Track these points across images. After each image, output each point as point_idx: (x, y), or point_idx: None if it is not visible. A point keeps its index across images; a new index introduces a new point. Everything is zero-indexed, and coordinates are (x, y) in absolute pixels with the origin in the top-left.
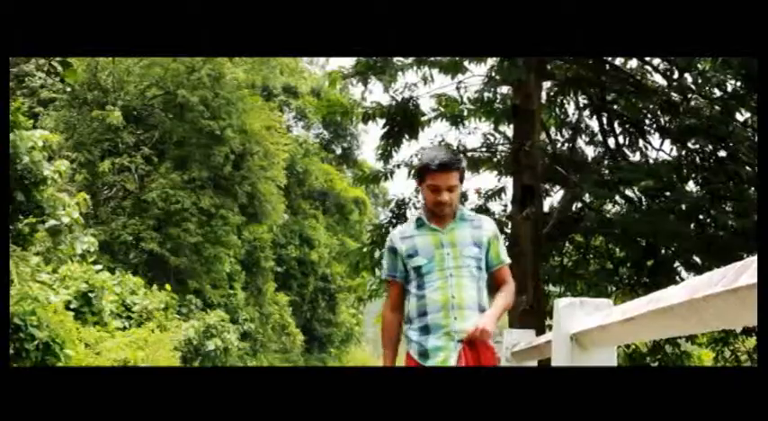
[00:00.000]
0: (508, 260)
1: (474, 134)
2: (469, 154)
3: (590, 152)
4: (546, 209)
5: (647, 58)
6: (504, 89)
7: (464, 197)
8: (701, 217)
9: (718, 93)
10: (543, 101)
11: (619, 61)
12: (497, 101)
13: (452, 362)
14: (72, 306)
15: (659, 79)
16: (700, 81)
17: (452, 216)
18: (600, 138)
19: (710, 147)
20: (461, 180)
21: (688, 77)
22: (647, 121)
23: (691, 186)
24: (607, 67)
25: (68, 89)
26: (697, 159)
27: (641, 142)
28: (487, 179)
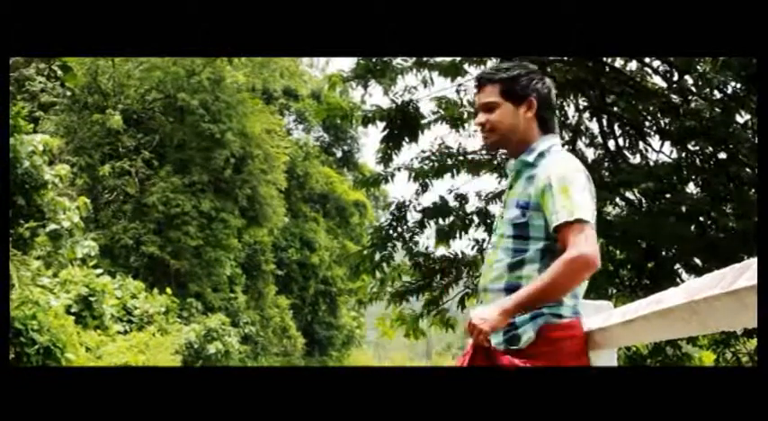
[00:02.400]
0: (567, 216)
1: (474, 137)
2: (469, 157)
3: (590, 154)
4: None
5: (647, 60)
6: None
7: (464, 199)
8: (701, 219)
9: (718, 94)
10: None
11: (618, 63)
12: None
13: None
14: (73, 310)
15: (659, 81)
16: (700, 83)
17: (515, 156)
18: (600, 140)
19: (711, 148)
20: (509, 95)
21: (688, 79)
22: (647, 123)
23: (691, 188)
24: (607, 69)
25: (69, 93)
26: (697, 161)
27: (641, 144)
28: (488, 182)
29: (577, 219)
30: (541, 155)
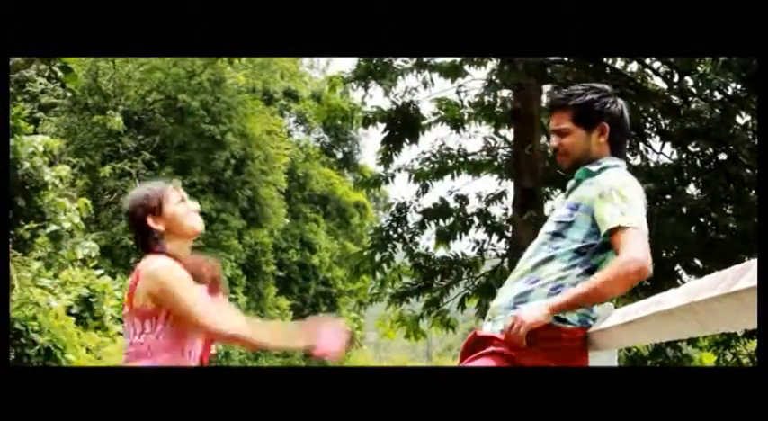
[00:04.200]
0: (618, 222)
1: (474, 138)
2: (470, 158)
3: None
4: (547, 212)
5: (648, 61)
6: (505, 93)
7: (464, 200)
8: (701, 220)
9: (718, 95)
10: (543, 104)
11: (619, 64)
12: (498, 104)
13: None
14: (73, 311)
15: (659, 82)
16: (700, 84)
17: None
18: None
19: (711, 149)
20: (581, 121)
21: (688, 80)
22: (647, 125)
23: (691, 189)
24: (607, 70)
25: (69, 94)
26: (697, 162)
27: (642, 145)
28: (488, 183)
29: (634, 226)
30: (605, 168)
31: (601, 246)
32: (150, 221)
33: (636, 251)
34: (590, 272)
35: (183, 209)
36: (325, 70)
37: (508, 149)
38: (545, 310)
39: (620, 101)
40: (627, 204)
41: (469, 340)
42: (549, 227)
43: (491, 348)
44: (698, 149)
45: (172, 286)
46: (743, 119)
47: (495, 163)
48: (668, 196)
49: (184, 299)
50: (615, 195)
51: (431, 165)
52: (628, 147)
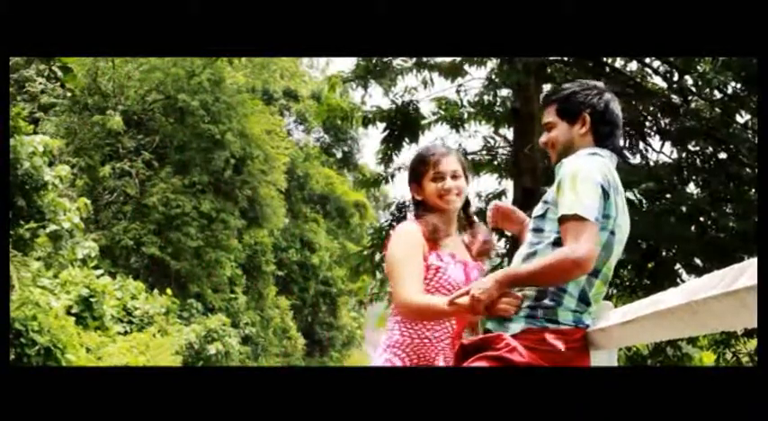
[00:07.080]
0: (566, 210)
1: (474, 137)
2: (470, 157)
3: None
4: None
5: (647, 61)
6: (505, 92)
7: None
8: (701, 219)
9: (718, 95)
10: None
11: (619, 64)
12: (497, 104)
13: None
14: (73, 311)
15: (659, 81)
16: (700, 83)
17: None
18: None
19: (711, 149)
20: (563, 113)
21: (688, 79)
22: (647, 124)
23: (691, 188)
24: (607, 69)
25: (69, 94)
26: (697, 161)
27: (641, 144)
28: (488, 182)
29: (575, 214)
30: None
31: None
32: (412, 189)
33: (574, 245)
34: None
35: (434, 187)
36: (324, 70)
37: (508, 149)
38: (491, 285)
39: (607, 94)
40: (575, 193)
41: (458, 351)
42: (531, 223)
43: (490, 352)
44: (698, 148)
45: (395, 247)
46: (742, 118)
47: (495, 162)
48: (668, 195)
49: (397, 263)
50: (567, 183)
51: None
52: (628, 145)
